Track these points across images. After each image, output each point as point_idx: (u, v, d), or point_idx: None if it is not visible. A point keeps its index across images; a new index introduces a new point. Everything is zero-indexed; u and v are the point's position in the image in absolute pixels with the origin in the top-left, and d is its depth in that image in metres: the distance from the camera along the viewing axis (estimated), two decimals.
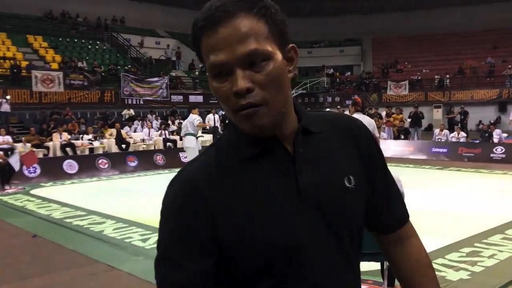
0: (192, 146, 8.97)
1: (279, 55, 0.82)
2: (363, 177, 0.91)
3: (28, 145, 12.79)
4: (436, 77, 27.55)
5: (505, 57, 28.12)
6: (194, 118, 9.19)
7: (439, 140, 14.37)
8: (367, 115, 17.90)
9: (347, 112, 7.22)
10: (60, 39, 23.40)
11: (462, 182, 9.14)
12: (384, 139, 16.03)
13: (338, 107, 20.86)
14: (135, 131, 17.01)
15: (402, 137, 15.79)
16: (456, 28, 31.21)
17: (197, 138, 9.28)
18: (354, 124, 0.95)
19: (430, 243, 4.96)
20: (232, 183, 0.83)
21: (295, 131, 0.87)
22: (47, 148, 13.43)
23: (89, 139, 14.42)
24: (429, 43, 31.83)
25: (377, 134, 7.10)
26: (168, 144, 15.83)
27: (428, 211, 6.60)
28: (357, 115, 6.75)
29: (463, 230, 5.52)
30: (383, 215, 0.98)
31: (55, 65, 20.40)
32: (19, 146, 12.69)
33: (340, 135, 0.92)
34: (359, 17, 34.22)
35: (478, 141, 14.25)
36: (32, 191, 8.87)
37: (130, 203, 7.61)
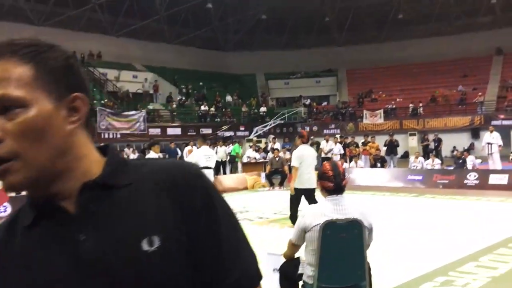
0: None
1: (45, 104, 0.73)
2: (178, 235, 0.75)
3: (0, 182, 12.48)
4: (410, 105, 28.20)
5: (475, 85, 29.05)
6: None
7: (415, 167, 14.57)
8: (344, 144, 18.24)
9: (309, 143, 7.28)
10: None
11: (436, 210, 9.22)
12: (361, 167, 16.23)
13: (312, 137, 21.02)
14: None
15: (379, 165, 15.97)
16: (427, 58, 32.23)
17: None
18: (178, 173, 0.79)
19: (404, 273, 4.96)
20: (7, 254, 0.76)
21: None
22: None
23: None
24: (402, 73, 32.73)
25: (315, 164, 7.13)
26: None
27: (403, 240, 6.61)
28: (303, 146, 7.14)
29: (437, 259, 5.53)
30: (214, 280, 0.79)
31: None
32: None
33: (155, 187, 0.77)
34: (334, 49, 35.11)
35: (452, 167, 14.50)
36: None
37: None
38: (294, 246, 3.19)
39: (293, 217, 6.90)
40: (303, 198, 6.99)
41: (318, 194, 4.39)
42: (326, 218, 2.97)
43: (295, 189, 6.96)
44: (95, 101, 22.57)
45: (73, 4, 27.31)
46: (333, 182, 3.14)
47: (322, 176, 3.24)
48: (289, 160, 17.09)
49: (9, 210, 9.85)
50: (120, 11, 29.00)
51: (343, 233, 3.02)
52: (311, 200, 6.76)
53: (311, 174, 6.94)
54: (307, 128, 28.95)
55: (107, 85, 25.90)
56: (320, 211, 3.08)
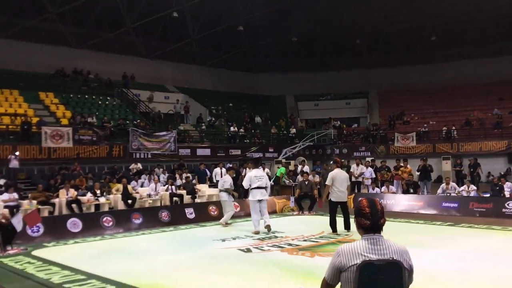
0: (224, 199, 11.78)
1: None
2: None
3: (34, 202, 12.74)
4: (443, 128, 27.54)
5: None
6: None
7: (448, 194, 14.11)
8: (375, 168, 17.87)
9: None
10: (71, 96, 23.94)
11: (474, 241, 8.83)
12: (393, 192, 15.79)
13: (343, 160, 20.88)
14: (142, 186, 16.95)
15: (412, 191, 15.53)
16: (462, 80, 31.60)
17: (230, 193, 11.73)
18: None
19: None
20: None
21: None
22: (53, 205, 13.38)
23: (96, 194, 14.36)
24: (435, 95, 32.13)
25: (347, 183, 9.87)
26: (174, 199, 15.70)
27: (439, 273, 6.32)
28: (337, 170, 9.79)
29: None
30: None
31: (65, 121, 20.74)
32: (25, 203, 12.64)
33: None
34: (364, 71, 34.85)
35: (489, 194, 13.97)
36: (34, 252, 8.69)
37: (130, 265, 7.41)
38: (328, 286, 3.04)
39: (331, 224, 9.75)
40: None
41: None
42: (363, 258, 2.83)
43: (331, 201, 9.72)
44: (127, 122, 23.00)
45: (109, 27, 28.16)
46: (370, 220, 3.01)
47: (358, 213, 3.09)
48: (319, 183, 16.97)
49: (42, 230, 10.01)
50: (153, 34, 29.70)
51: (382, 275, 2.87)
52: (345, 210, 9.80)
53: (343, 191, 9.67)
54: (337, 151, 28.64)
55: (140, 106, 26.40)
56: (357, 251, 2.94)
